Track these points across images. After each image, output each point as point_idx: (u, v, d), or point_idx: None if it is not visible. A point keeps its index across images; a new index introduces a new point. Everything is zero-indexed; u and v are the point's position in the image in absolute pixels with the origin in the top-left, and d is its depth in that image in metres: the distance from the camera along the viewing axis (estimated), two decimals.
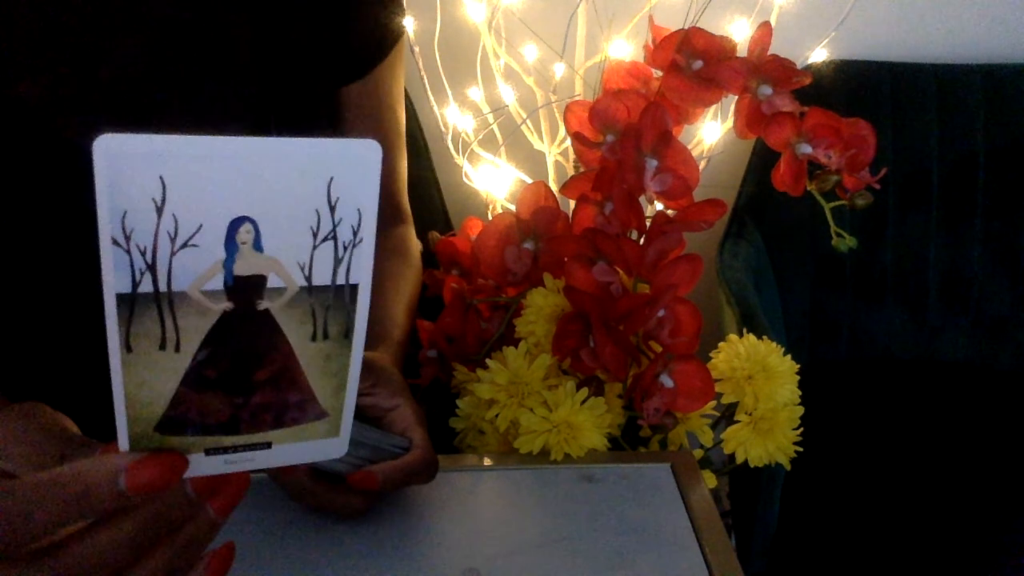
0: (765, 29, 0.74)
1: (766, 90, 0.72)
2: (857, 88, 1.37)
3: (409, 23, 1.18)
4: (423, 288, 0.85)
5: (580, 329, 0.67)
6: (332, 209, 0.32)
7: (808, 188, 0.72)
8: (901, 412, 1.23)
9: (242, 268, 0.31)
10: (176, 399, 0.32)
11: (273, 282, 0.32)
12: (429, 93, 1.19)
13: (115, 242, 0.29)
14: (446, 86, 1.21)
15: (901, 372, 1.36)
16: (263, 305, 0.33)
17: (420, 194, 1.18)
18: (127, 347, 0.31)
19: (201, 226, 0.30)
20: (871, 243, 1.37)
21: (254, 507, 0.57)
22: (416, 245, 0.86)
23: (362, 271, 0.34)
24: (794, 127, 0.70)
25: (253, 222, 0.31)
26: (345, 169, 0.32)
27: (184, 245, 0.30)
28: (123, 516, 0.31)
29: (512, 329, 0.72)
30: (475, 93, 1.24)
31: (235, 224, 0.30)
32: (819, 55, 1.32)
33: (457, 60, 1.23)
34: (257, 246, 0.31)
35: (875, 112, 1.37)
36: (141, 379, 0.31)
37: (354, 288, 0.34)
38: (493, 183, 1.20)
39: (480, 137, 1.19)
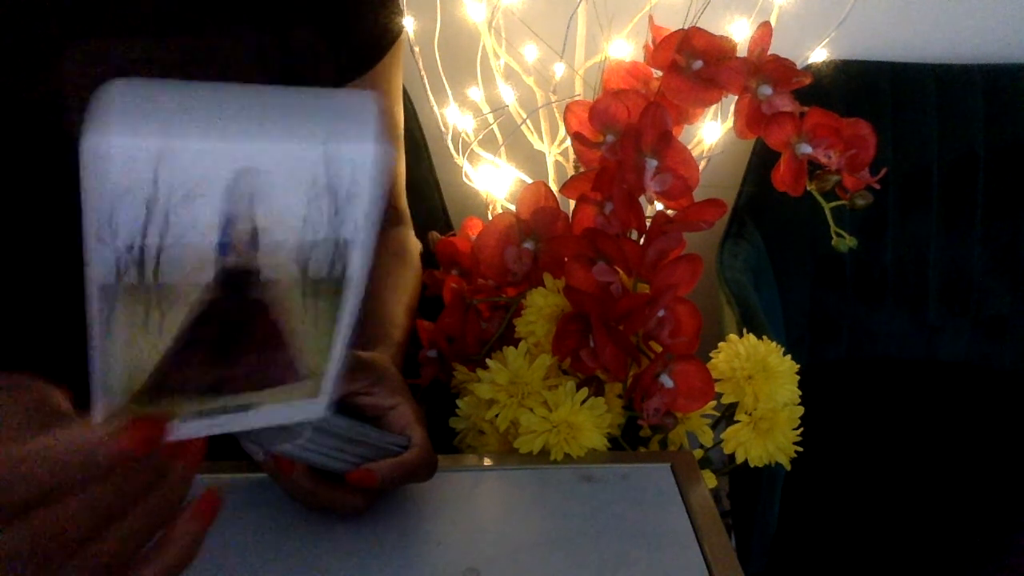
0: (765, 29, 0.74)
1: (766, 90, 0.72)
2: (857, 88, 1.37)
3: (409, 23, 1.19)
4: (423, 288, 0.85)
5: (580, 329, 0.67)
6: (327, 164, 0.31)
7: (808, 188, 0.72)
8: (901, 412, 1.23)
9: (234, 262, 0.31)
10: (158, 371, 0.32)
11: (266, 275, 0.32)
12: (429, 93, 1.19)
13: (100, 238, 0.28)
14: (446, 86, 1.21)
15: (901, 372, 1.36)
16: (254, 295, 0.32)
17: (420, 194, 1.18)
18: (108, 332, 0.30)
19: (193, 221, 0.29)
20: (871, 243, 1.37)
21: (254, 507, 0.57)
22: (415, 246, 0.86)
23: (358, 227, 0.33)
24: (794, 127, 0.70)
25: (252, 216, 0.30)
26: (340, 121, 0.31)
27: (174, 242, 0.29)
28: (92, 483, 0.31)
29: (512, 329, 0.72)
30: (475, 93, 1.24)
31: (229, 221, 0.30)
32: (819, 55, 1.32)
33: (457, 60, 1.23)
34: (253, 245, 0.31)
35: (875, 112, 1.37)
36: (121, 356, 0.31)
37: (348, 243, 0.33)
38: (493, 183, 1.20)
39: (480, 137, 1.19)
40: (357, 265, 0.34)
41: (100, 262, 0.29)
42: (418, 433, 0.57)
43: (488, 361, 0.67)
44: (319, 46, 0.73)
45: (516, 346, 0.68)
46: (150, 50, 0.64)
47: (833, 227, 0.72)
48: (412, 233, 0.86)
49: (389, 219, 0.85)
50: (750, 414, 0.69)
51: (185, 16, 0.65)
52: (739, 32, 1.14)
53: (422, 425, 0.58)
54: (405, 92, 1.20)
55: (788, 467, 0.70)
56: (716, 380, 0.68)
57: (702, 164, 1.18)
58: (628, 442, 0.69)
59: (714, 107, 1.13)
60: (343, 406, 0.56)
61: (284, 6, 0.69)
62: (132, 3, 0.63)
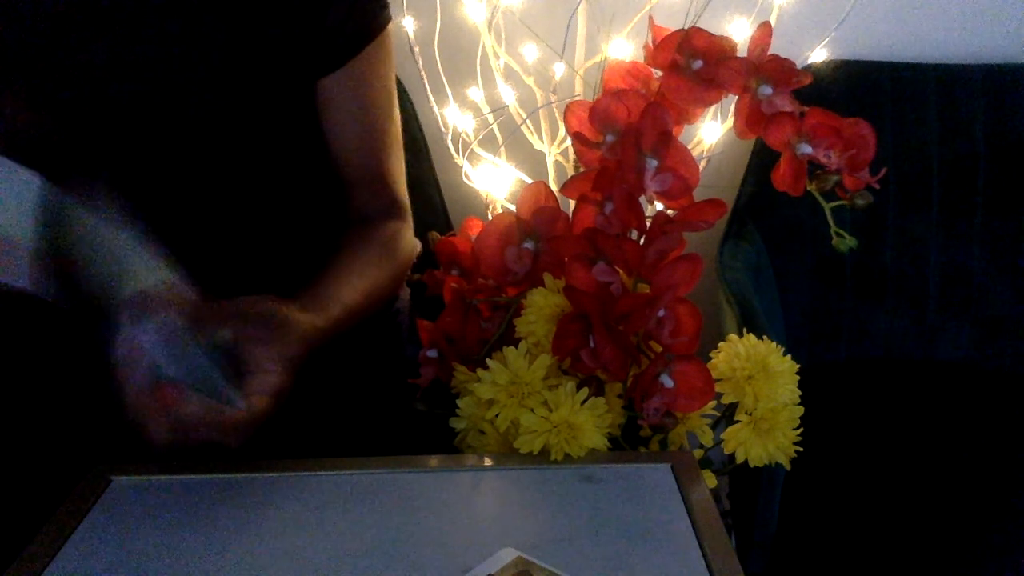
0: (765, 29, 0.74)
1: (766, 90, 0.72)
2: (857, 88, 1.37)
3: (409, 23, 1.19)
4: (424, 287, 0.85)
5: (580, 329, 0.67)
6: None
7: (808, 188, 0.72)
8: (901, 412, 1.23)
9: None
10: None
11: None
12: (429, 93, 1.19)
13: None
14: (446, 86, 1.21)
15: (901, 372, 1.36)
16: None
17: (420, 194, 1.18)
18: None
19: None
20: (871, 243, 1.37)
21: (254, 507, 0.57)
22: (408, 243, 0.85)
23: None
24: (794, 127, 0.70)
25: None
26: None
27: None
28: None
29: (512, 329, 0.72)
30: (475, 93, 1.24)
31: None
32: (819, 55, 1.32)
33: (457, 60, 1.23)
34: None
35: (875, 112, 1.36)
36: None
37: None
38: (493, 183, 1.20)
39: (480, 137, 1.19)
40: None
41: None
42: (255, 404, 0.57)
43: (488, 361, 0.67)
44: (295, 36, 0.73)
45: (516, 346, 0.68)
46: (117, 45, 0.65)
47: (833, 227, 0.72)
48: (408, 229, 0.86)
49: (385, 212, 0.84)
50: (750, 414, 0.69)
51: (156, 10, 0.66)
52: (739, 32, 1.14)
53: (271, 398, 0.58)
54: (405, 92, 1.21)
55: (788, 467, 0.70)
56: (716, 380, 0.68)
57: (702, 164, 1.18)
58: (628, 442, 0.69)
59: (714, 107, 1.13)
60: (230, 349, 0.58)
61: None
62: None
